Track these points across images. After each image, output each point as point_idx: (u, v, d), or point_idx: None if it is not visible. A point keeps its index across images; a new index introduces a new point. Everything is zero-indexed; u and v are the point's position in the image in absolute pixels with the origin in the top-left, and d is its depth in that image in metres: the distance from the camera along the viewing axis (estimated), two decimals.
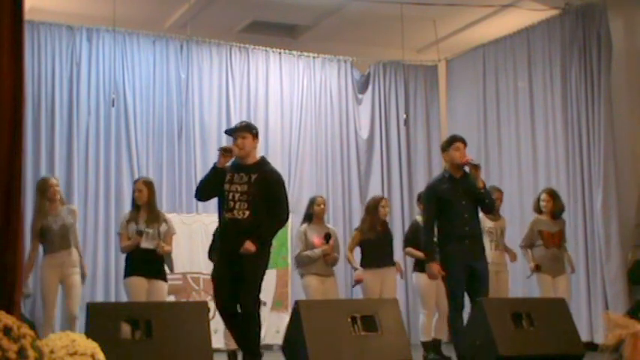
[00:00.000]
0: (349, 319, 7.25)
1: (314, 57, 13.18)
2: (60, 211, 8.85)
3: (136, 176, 11.22)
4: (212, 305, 10.50)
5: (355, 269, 9.73)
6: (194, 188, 11.69)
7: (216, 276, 7.27)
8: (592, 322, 10.55)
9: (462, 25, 12.80)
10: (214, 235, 8.63)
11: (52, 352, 4.08)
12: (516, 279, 10.53)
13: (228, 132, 7.59)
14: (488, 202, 7.96)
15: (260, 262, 7.25)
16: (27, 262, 8.52)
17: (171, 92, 11.95)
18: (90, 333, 5.34)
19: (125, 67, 11.65)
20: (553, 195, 9.82)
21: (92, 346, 4.27)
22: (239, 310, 7.15)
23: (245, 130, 7.38)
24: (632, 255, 10.61)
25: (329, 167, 12.93)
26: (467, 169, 7.93)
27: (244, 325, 7.13)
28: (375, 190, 12.91)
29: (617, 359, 5.41)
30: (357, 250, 9.86)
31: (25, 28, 4.51)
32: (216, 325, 9.95)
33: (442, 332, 9.79)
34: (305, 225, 9.61)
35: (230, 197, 7.20)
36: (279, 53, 12.90)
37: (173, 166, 11.78)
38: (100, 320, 6.35)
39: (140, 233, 8.54)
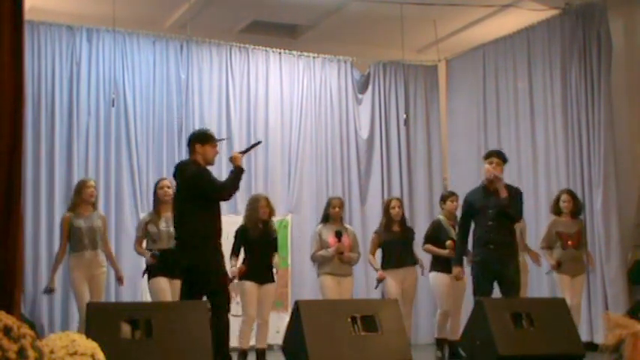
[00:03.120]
0: (349, 319, 7.26)
1: (314, 57, 13.17)
2: (91, 213, 9.21)
3: (136, 176, 11.28)
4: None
5: (376, 270, 9.81)
6: None
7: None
8: (592, 322, 10.55)
9: (462, 25, 12.80)
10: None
11: (52, 352, 4.08)
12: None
13: (215, 140, 7.85)
14: (509, 211, 8.52)
15: None
16: (56, 257, 9.38)
17: (171, 92, 11.94)
18: (90, 333, 5.35)
19: (125, 67, 11.64)
20: (573, 195, 9.94)
21: (92, 346, 4.27)
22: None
23: None
24: (632, 255, 10.61)
25: (329, 167, 12.92)
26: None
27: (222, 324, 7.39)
28: (375, 190, 12.92)
29: (617, 359, 5.40)
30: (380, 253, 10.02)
31: (25, 28, 4.52)
32: None
33: (457, 333, 9.69)
34: (320, 225, 9.75)
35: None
36: (279, 53, 12.89)
37: (173, 166, 11.73)
38: (100, 320, 6.36)
39: (154, 257, 8.87)
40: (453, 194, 10.23)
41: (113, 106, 11.30)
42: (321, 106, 13.06)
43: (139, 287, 10.82)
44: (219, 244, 7.50)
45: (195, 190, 7.40)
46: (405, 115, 13.29)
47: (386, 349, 7.28)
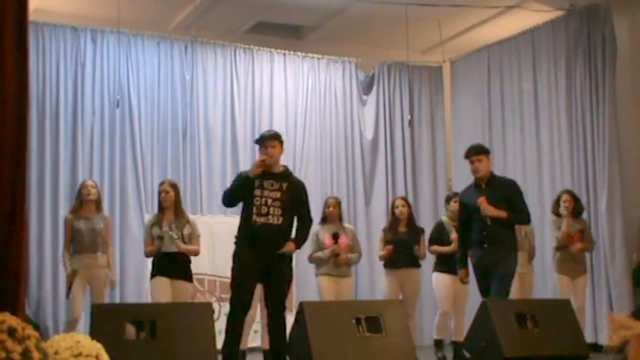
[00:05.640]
0: (354, 321, 7.26)
1: (318, 58, 13.17)
2: (94, 215, 9.08)
3: (141, 177, 11.26)
4: (216, 306, 10.57)
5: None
6: (199, 189, 11.82)
7: (243, 276, 7.42)
8: (596, 323, 10.54)
9: (467, 26, 12.80)
10: None
11: (56, 353, 4.09)
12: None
13: (259, 141, 7.76)
14: (514, 220, 8.33)
15: (289, 267, 7.70)
16: (63, 259, 9.13)
17: (175, 93, 11.95)
18: (94, 334, 5.35)
19: (130, 68, 11.64)
20: (573, 195, 9.90)
21: (97, 347, 4.27)
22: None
23: (275, 139, 7.68)
24: (636, 256, 10.59)
25: (333, 168, 12.92)
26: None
27: (276, 327, 7.50)
28: (379, 191, 12.91)
29: None
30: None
31: (29, 30, 4.52)
32: (221, 326, 9.94)
33: (460, 334, 9.64)
34: (318, 226, 9.67)
35: (262, 202, 7.46)
36: (284, 54, 12.90)
37: (178, 167, 11.76)
38: (105, 321, 6.36)
39: (161, 238, 8.73)
40: (457, 194, 10.18)
41: (118, 107, 11.32)
42: (325, 107, 13.06)
43: (143, 288, 10.82)
44: (246, 247, 7.46)
45: None
46: (409, 116, 13.31)
47: (390, 350, 7.27)
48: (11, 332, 3.72)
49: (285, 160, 12.35)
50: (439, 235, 9.88)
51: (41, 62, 11.06)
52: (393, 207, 9.96)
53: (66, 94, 11.20)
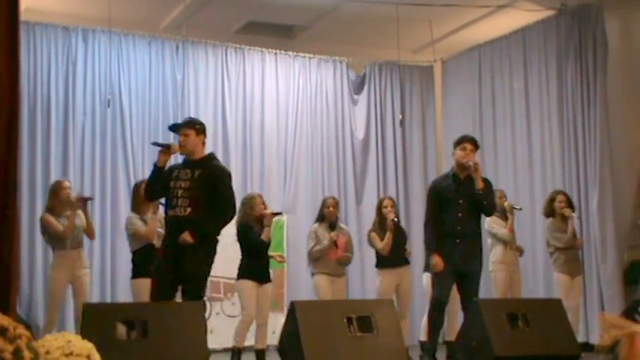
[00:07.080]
0: (345, 320, 7.25)
1: (310, 57, 13.17)
2: (69, 212, 8.91)
3: (132, 177, 11.22)
4: (208, 305, 10.57)
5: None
6: None
7: (156, 273, 7.28)
8: (588, 323, 10.56)
9: (458, 26, 12.81)
10: None
11: (47, 352, 4.07)
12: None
13: (171, 128, 7.66)
14: (486, 203, 8.04)
15: (202, 258, 7.22)
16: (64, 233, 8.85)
17: (166, 93, 11.93)
18: (86, 333, 5.32)
19: (121, 67, 11.62)
20: (567, 195, 9.90)
21: (88, 347, 4.25)
22: None
23: (187, 127, 7.39)
24: (627, 256, 10.61)
25: (324, 168, 12.92)
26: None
27: None
28: (370, 190, 12.92)
29: None
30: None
31: (20, 29, 4.50)
32: (212, 325, 9.95)
33: (452, 334, 9.63)
34: (316, 224, 9.65)
35: (174, 194, 7.20)
36: (275, 54, 12.89)
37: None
38: (96, 321, 6.34)
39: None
40: None
41: (109, 106, 11.31)
42: (316, 107, 13.06)
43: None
44: (163, 245, 7.43)
45: None
46: (400, 116, 13.33)
47: (381, 349, 7.27)
48: (3, 331, 3.71)
49: (277, 159, 12.45)
50: None
51: (32, 62, 11.04)
52: (381, 206, 9.88)
53: (57, 93, 11.18)
